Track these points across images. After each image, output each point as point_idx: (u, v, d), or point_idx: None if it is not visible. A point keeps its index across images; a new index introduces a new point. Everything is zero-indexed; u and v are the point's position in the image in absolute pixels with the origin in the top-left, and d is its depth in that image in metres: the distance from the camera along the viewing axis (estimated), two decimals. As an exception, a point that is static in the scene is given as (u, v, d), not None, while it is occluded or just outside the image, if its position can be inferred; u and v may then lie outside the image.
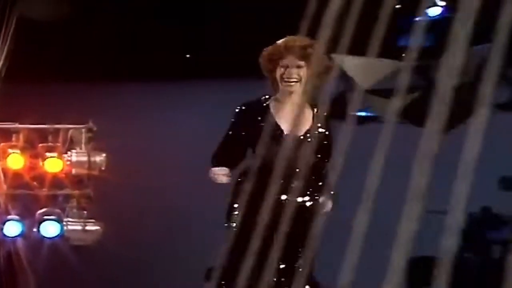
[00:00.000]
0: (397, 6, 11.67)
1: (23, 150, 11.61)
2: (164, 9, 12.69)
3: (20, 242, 11.73)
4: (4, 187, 11.72)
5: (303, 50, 6.60)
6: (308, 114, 6.72)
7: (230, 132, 7.07)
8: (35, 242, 11.63)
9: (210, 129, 12.49)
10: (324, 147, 6.61)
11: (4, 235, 11.62)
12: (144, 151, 11.91)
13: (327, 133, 6.86)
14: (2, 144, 11.67)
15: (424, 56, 9.46)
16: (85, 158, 11.67)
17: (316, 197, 6.85)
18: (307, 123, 6.72)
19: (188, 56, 13.60)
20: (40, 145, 11.73)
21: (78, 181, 11.84)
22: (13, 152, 11.60)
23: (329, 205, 6.72)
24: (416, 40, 8.41)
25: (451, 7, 12.82)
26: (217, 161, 7.03)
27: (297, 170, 4.94)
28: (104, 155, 11.69)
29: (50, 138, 11.74)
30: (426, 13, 13.84)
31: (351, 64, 13.38)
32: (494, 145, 10.30)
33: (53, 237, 11.72)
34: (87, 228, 11.74)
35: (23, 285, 11.58)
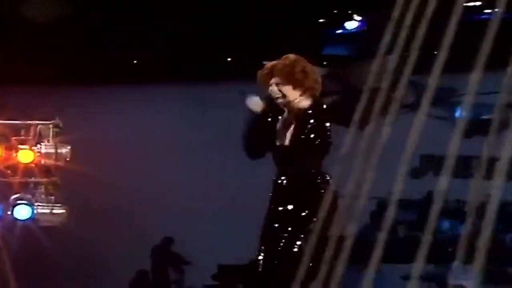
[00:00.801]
0: (321, 21, 13.41)
1: None
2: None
3: None
4: None
5: (278, 69, 7.03)
6: (292, 123, 6.95)
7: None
8: (9, 223, 12.74)
9: (157, 126, 14.31)
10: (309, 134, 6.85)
11: None
12: (104, 144, 13.38)
13: (312, 136, 6.90)
14: None
15: (343, 63, 11.23)
16: (52, 150, 12.77)
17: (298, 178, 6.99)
18: (289, 134, 6.95)
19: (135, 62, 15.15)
20: (14, 138, 12.76)
21: (46, 170, 12.92)
22: None
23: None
24: (337, 49, 10.42)
25: (365, 22, 14.46)
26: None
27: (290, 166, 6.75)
28: (69, 147, 12.81)
29: (22, 132, 12.84)
30: (345, 27, 15.36)
31: None
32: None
33: (25, 219, 12.77)
34: (54, 211, 12.86)
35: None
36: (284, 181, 6.91)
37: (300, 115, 6.86)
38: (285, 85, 6.88)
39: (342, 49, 15.70)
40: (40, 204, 12.85)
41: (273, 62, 7.10)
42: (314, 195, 6.57)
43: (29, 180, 13.04)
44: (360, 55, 14.64)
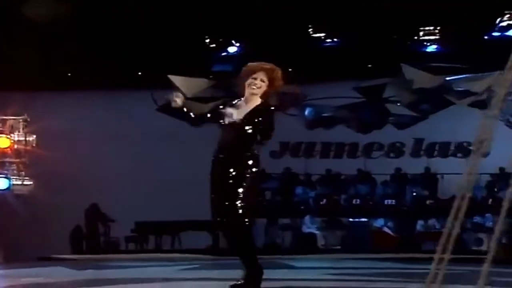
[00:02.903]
0: (213, 46, 18.04)
1: None
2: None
3: None
4: None
5: (271, 72, 7.76)
6: (250, 107, 7.67)
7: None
8: None
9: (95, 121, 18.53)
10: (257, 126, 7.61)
11: None
12: (59, 134, 17.39)
13: (267, 119, 7.63)
14: None
15: (226, 76, 16.45)
16: (22, 138, 16.78)
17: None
18: (244, 113, 7.62)
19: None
20: None
21: (18, 153, 16.91)
22: None
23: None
24: (222, 67, 16.13)
25: (244, 46, 19.20)
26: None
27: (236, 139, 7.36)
28: (34, 136, 16.87)
29: (0, 125, 16.70)
30: (228, 50, 19.45)
31: (181, 81, 19.45)
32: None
33: (4, 189, 16.68)
34: (24, 183, 16.87)
35: None
36: (226, 157, 7.54)
37: (260, 105, 7.61)
38: (265, 84, 7.65)
39: (226, 67, 19.92)
40: (13, 178, 16.86)
41: (266, 66, 7.74)
42: (248, 172, 7.51)
43: (5, 160, 17.00)
44: (238, 70, 19.45)
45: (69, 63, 18.04)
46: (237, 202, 7.37)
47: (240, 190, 7.41)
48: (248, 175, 7.54)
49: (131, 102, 20.55)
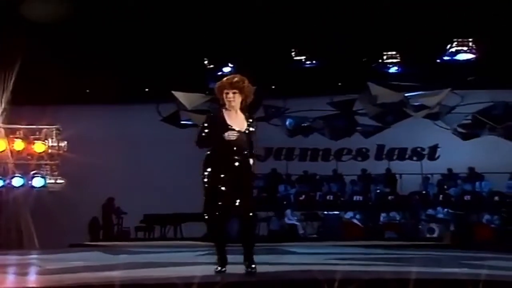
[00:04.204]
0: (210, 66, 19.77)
1: (22, 139, 18.00)
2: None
3: (21, 189, 17.90)
4: (11, 159, 17.92)
5: (236, 83, 8.10)
6: (242, 118, 8.13)
7: (206, 125, 8.12)
8: (29, 190, 17.90)
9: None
10: (252, 135, 8.13)
11: (13, 185, 17.80)
12: (87, 141, 19.30)
13: (252, 129, 8.13)
14: (10, 136, 17.94)
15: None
16: (55, 144, 18.21)
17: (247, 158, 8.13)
18: (244, 123, 8.08)
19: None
20: (31, 137, 18.11)
21: (51, 156, 18.34)
22: (17, 139, 17.94)
23: (251, 161, 8.12)
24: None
25: (237, 67, 20.44)
26: (198, 142, 8.09)
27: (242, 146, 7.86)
28: (66, 142, 18.36)
29: (36, 133, 18.19)
30: (222, 70, 20.84)
31: (182, 96, 21.27)
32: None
33: (40, 187, 17.97)
34: (57, 181, 18.26)
35: (24, 212, 17.99)
36: (236, 163, 7.97)
37: (245, 115, 8.12)
38: (238, 94, 8.11)
39: None
40: (47, 177, 18.20)
41: (230, 80, 8.12)
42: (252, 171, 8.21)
43: (41, 162, 18.31)
44: None
45: (90, 81, 19.98)
46: (250, 198, 7.92)
47: (250, 187, 8.05)
48: (253, 174, 8.13)
49: (140, 114, 22.61)
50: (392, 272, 8.68)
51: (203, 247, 16.62)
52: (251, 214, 7.98)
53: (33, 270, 10.18)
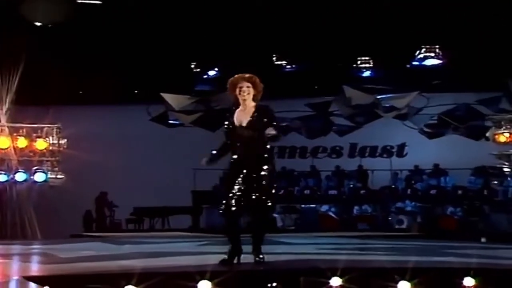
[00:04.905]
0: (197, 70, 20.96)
1: (25, 137, 18.87)
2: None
3: (24, 184, 18.75)
4: (15, 156, 18.81)
5: (249, 78, 8.17)
6: (251, 112, 8.09)
7: (225, 127, 8.35)
8: (32, 184, 18.77)
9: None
10: (267, 125, 7.93)
11: (16, 180, 18.67)
12: (85, 139, 19.93)
13: (271, 118, 8.06)
14: (14, 134, 18.78)
15: (208, 94, 19.98)
16: (56, 141, 19.11)
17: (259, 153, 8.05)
18: (249, 117, 8.05)
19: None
20: (34, 135, 18.97)
21: (52, 153, 19.21)
22: (20, 137, 18.79)
23: (273, 131, 7.93)
24: (204, 86, 19.80)
25: (221, 71, 21.49)
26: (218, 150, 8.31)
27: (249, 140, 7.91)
28: (65, 140, 19.28)
29: (39, 131, 19.09)
30: (208, 74, 22.31)
31: (170, 98, 22.48)
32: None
33: (42, 181, 18.82)
34: (57, 176, 19.14)
35: (26, 205, 18.67)
36: (249, 158, 8.01)
37: (254, 107, 8.10)
38: (251, 88, 8.18)
39: (207, 86, 22.84)
40: (49, 172, 19.08)
41: (248, 75, 8.22)
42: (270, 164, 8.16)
43: (43, 159, 19.15)
44: (216, 90, 21.93)
45: (86, 83, 20.95)
46: (264, 192, 7.95)
47: (264, 182, 8.01)
48: (267, 169, 8.04)
49: (131, 114, 23.65)
50: (392, 262, 9.18)
51: (188, 237, 17.76)
52: (263, 207, 8.13)
53: (51, 259, 10.35)
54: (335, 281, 7.53)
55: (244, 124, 8.21)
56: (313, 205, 23.18)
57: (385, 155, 25.30)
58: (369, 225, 22.68)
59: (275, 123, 8.15)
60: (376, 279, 7.69)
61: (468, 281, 7.65)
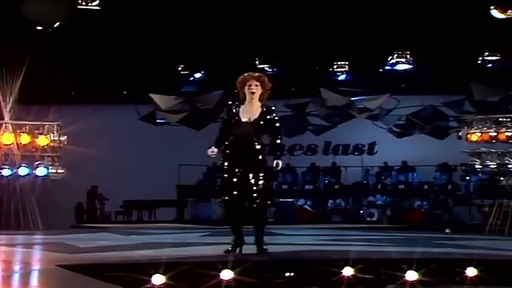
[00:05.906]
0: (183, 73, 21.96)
1: (28, 133, 19.55)
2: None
3: (27, 178, 19.37)
4: (18, 151, 19.46)
5: (259, 77, 8.38)
6: (258, 110, 8.25)
7: (225, 117, 8.49)
8: (34, 178, 19.46)
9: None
10: (274, 126, 8.26)
11: (19, 174, 19.32)
12: (84, 135, 20.74)
13: (275, 118, 8.32)
14: (18, 131, 19.43)
15: (193, 95, 21.41)
16: (57, 138, 19.82)
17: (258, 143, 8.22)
18: (256, 114, 8.22)
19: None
20: (36, 131, 19.69)
21: (53, 148, 19.86)
22: (23, 134, 19.46)
23: (280, 163, 8.25)
24: (190, 88, 21.28)
25: (207, 73, 22.48)
26: (217, 142, 8.37)
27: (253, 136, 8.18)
28: (66, 137, 20.01)
29: (40, 128, 19.77)
30: (195, 76, 23.62)
31: (158, 98, 23.41)
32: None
33: (44, 176, 19.49)
34: (58, 171, 19.88)
35: (29, 198, 19.29)
36: (247, 151, 8.19)
37: (261, 106, 8.30)
38: (260, 87, 8.38)
39: (193, 88, 23.91)
40: (50, 167, 19.71)
41: (258, 74, 8.50)
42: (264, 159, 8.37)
43: (45, 154, 19.76)
44: (202, 91, 23.55)
45: (83, 85, 22.26)
46: (262, 184, 8.23)
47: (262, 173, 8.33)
48: (264, 161, 8.34)
49: (121, 113, 24.68)
50: (397, 252, 9.39)
51: (174, 228, 18.00)
52: (262, 198, 8.41)
53: (71, 249, 10.57)
54: (347, 270, 7.77)
55: (251, 120, 8.48)
56: (291, 199, 23.86)
57: (356, 153, 26.30)
58: (342, 217, 23.76)
59: (278, 124, 8.65)
60: (385, 269, 7.97)
61: (471, 271, 7.96)
